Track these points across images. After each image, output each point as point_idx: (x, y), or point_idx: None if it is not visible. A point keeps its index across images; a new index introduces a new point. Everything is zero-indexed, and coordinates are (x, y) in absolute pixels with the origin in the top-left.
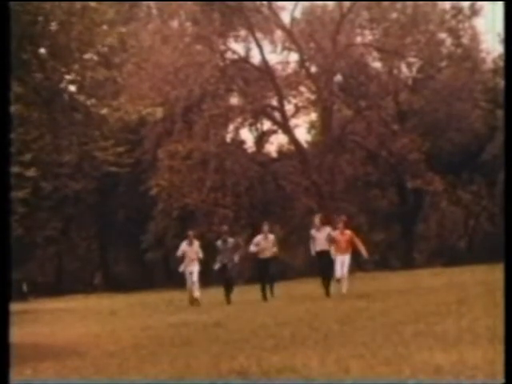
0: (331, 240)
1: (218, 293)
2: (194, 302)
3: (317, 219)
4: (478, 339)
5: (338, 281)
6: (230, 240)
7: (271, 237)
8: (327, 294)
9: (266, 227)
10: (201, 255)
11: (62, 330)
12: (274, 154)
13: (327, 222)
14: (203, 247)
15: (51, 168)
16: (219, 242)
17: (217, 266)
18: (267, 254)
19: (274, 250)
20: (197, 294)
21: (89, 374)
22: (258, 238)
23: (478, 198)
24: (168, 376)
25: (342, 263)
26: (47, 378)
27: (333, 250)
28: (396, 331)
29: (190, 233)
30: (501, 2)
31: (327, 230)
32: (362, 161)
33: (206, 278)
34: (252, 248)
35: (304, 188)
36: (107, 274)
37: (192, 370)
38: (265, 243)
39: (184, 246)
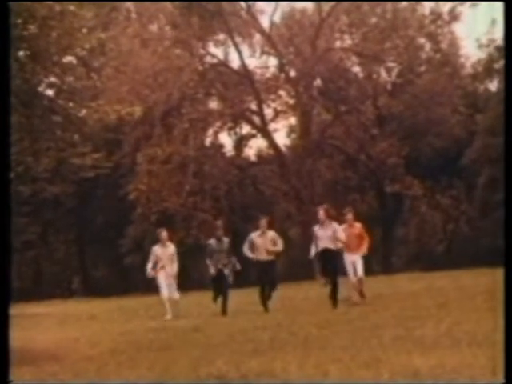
0: (339, 238)
1: (202, 299)
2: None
3: (321, 212)
4: (457, 343)
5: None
6: (225, 239)
7: (271, 233)
8: (334, 303)
9: (263, 222)
10: (175, 267)
11: (40, 335)
12: (253, 158)
13: (332, 215)
14: (182, 253)
15: (30, 172)
16: (212, 241)
17: (212, 271)
18: (265, 255)
19: (277, 248)
20: (168, 316)
21: (67, 379)
22: (252, 236)
23: (457, 203)
24: (147, 380)
25: (352, 264)
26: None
27: (344, 249)
28: (375, 335)
29: (162, 231)
30: (480, 8)
31: (334, 226)
32: (342, 165)
33: (185, 284)
34: (245, 250)
35: (283, 192)
36: (86, 279)
37: (171, 374)
38: (261, 241)
39: (157, 250)
